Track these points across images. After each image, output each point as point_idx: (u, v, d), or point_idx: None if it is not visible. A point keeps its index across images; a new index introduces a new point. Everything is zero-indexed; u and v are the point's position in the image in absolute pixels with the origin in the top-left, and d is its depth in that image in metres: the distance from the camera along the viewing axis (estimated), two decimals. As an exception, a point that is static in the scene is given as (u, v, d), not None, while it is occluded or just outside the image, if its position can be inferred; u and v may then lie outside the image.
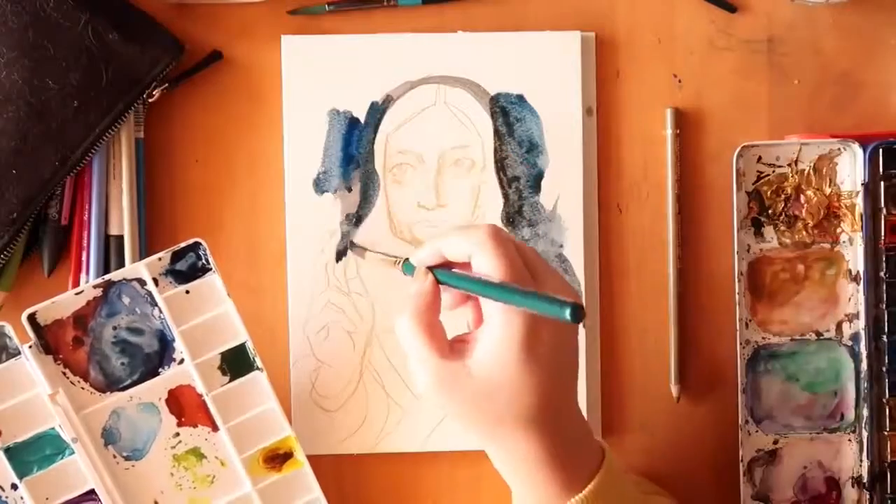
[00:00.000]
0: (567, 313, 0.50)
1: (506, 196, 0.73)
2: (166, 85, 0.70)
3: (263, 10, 0.72)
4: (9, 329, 0.65)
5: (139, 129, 0.71)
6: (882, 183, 0.72)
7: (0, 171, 0.66)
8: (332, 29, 0.72)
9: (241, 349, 0.68)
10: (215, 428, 0.68)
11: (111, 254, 0.70)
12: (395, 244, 0.72)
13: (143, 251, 0.70)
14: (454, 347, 0.58)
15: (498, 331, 0.56)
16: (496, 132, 0.73)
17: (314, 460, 0.71)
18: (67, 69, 0.67)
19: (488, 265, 0.56)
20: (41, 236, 0.70)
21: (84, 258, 0.70)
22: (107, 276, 0.66)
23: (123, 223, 0.70)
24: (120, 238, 0.70)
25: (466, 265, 0.59)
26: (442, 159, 0.73)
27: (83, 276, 0.70)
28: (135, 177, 0.70)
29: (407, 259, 0.63)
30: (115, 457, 0.68)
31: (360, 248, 0.71)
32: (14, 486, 0.66)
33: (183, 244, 0.67)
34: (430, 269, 0.60)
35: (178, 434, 0.68)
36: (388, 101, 0.72)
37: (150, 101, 0.70)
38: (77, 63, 0.67)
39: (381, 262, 0.71)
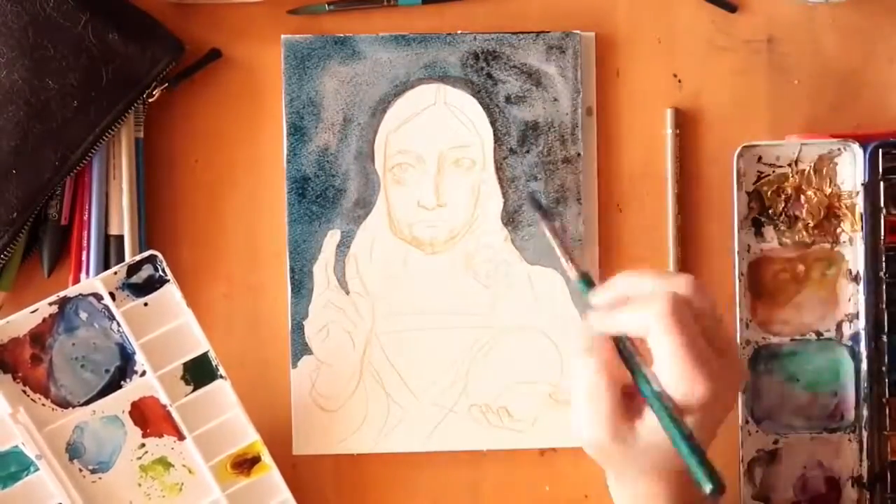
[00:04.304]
0: (707, 489, 0.51)
1: (506, 196, 0.73)
2: (166, 85, 0.70)
3: (263, 10, 0.72)
4: None
5: (139, 129, 0.71)
6: (882, 183, 0.72)
7: (0, 171, 0.66)
8: (332, 29, 0.72)
9: (203, 359, 0.67)
10: (181, 437, 0.68)
11: (111, 254, 0.70)
12: (394, 244, 0.72)
13: (143, 251, 0.70)
14: (627, 405, 0.55)
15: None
16: (496, 132, 0.73)
17: (314, 460, 0.71)
18: (67, 69, 0.67)
19: (665, 350, 0.53)
20: (41, 236, 0.70)
21: (84, 258, 0.70)
22: (62, 293, 0.66)
23: (123, 223, 0.70)
24: (120, 238, 0.70)
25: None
26: (442, 159, 0.73)
27: (83, 276, 0.70)
28: (135, 177, 0.70)
29: (585, 276, 0.58)
30: (81, 471, 0.68)
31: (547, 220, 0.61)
32: (-20, 504, 0.66)
33: (138, 257, 0.67)
34: (614, 339, 0.56)
35: (143, 445, 0.68)
36: (387, 100, 0.72)
37: (150, 100, 0.70)
38: (77, 63, 0.67)
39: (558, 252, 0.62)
